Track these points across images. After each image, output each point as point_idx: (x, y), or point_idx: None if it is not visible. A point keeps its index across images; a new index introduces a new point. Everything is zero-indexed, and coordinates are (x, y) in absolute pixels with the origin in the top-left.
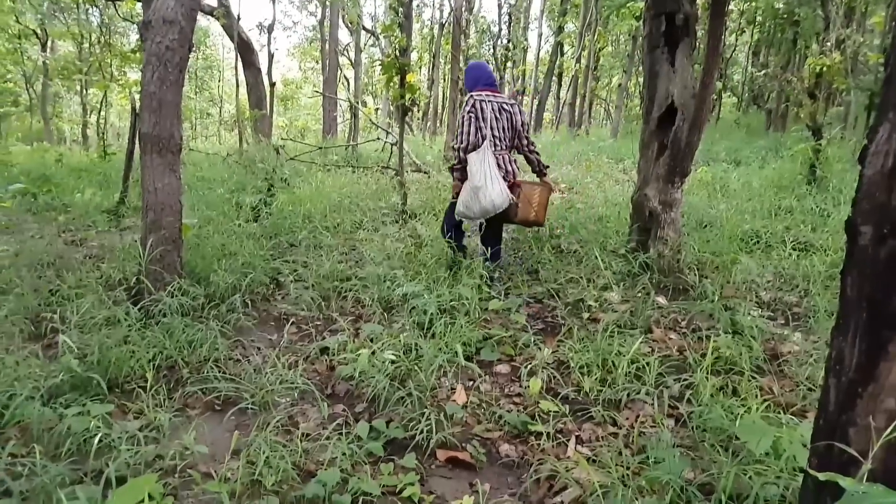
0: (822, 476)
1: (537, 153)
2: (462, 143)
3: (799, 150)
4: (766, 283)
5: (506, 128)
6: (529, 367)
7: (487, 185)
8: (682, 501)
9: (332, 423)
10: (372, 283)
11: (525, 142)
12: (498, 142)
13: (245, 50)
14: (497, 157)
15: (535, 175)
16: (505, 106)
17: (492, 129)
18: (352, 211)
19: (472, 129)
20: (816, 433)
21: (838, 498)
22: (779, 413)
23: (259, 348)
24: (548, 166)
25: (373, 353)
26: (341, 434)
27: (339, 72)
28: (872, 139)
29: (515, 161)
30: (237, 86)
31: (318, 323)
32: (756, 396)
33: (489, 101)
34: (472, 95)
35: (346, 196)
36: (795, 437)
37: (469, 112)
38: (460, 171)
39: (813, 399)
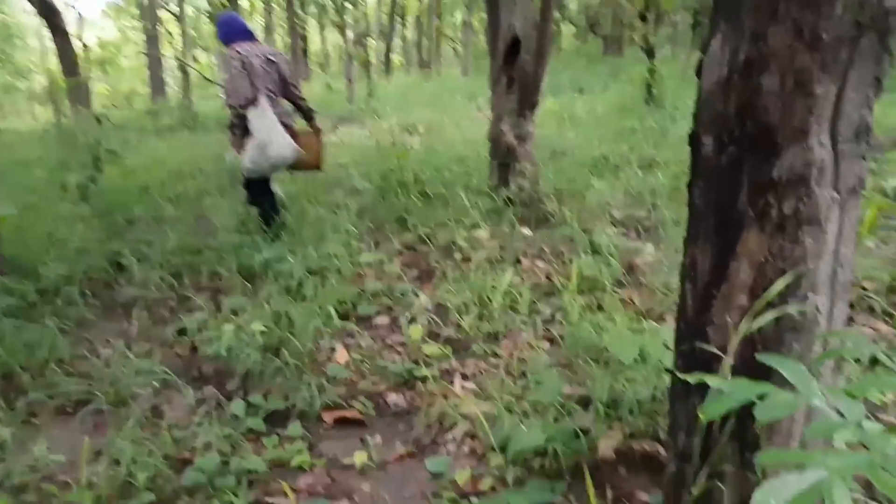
0: (690, 378)
1: (304, 99)
2: (239, 100)
3: (635, 73)
4: (617, 202)
5: (276, 79)
6: (409, 315)
7: (274, 140)
8: (563, 416)
9: (202, 406)
10: (227, 253)
11: (293, 90)
12: (272, 94)
13: (48, 13)
14: (275, 110)
15: (305, 122)
16: (271, 57)
17: (264, 81)
18: (194, 177)
19: (246, 83)
20: (678, 337)
21: (706, 391)
22: (641, 321)
23: (108, 340)
24: (316, 111)
25: (239, 327)
26: (214, 416)
27: (162, 27)
28: (706, 52)
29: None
30: (45, 54)
31: (172, 304)
32: (619, 308)
33: (255, 54)
34: (235, 49)
35: (185, 162)
36: (659, 341)
37: (238, 67)
38: (240, 129)
39: (670, 303)
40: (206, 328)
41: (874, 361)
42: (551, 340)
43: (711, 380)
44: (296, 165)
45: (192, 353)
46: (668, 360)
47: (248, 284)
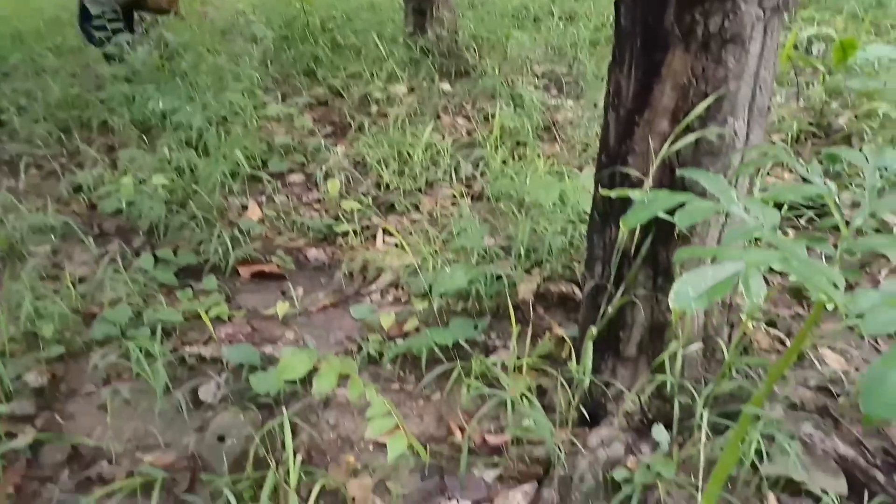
0: (612, 193)
1: None
2: None
3: None
4: (538, 56)
5: None
6: (324, 170)
7: None
8: (485, 261)
9: (107, 261)
10: (120, 105)
11: None
12: None
13: None
14: None
15: None
16: None
17: None
18: (74, 25)
19: None
20: (600, 166)
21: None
22: (562, 170)
23: None
24: None
25: (139, 181)
26: (121, 271)
27: None
28: None
29: None
30: None
31: (63, 160)
32: (539, 158)
33: None
34: None
35: (63, 7)
36: (578, 185)
37: None
38: None
39: (588, 156)
40: (102, 184)
41: None
42: (473, 196)
43: (633, 193)
44: (145, 4)
45: (91, 210)
46: (587, 203)
47: (144, 137)
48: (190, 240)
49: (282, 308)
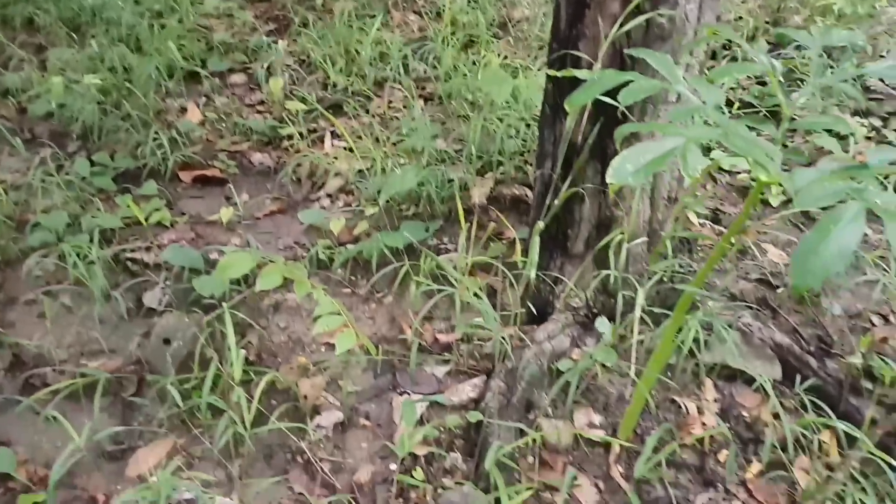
0: (560, 73)
1: None
2: None
3: None
4: None
5: None
6: (267, 68)
7: None
8: (437, 162)
9: (39, 166)
10: (46, 1)
11: None
12: None
13: None
14: None
15: None
16: None
17: None
18: None
19: None
20: (550, 52)
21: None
22: (516, 67)
23: None
24: None
25: (70, 81)
26: (56, 177)
27: None
28: None
29: None
30: None
31: None
32: (493, 54)
33: None
34: None
35: None
36: (531, 82)
37: None
38: None
39: (544, 54)
40: (31, 85)
41: None
42: (426, 98)
43: (580, 73)
44: None
45: (20, 114)
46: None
47: (74, 35)
48: (126, 143)
49: (226, 213)
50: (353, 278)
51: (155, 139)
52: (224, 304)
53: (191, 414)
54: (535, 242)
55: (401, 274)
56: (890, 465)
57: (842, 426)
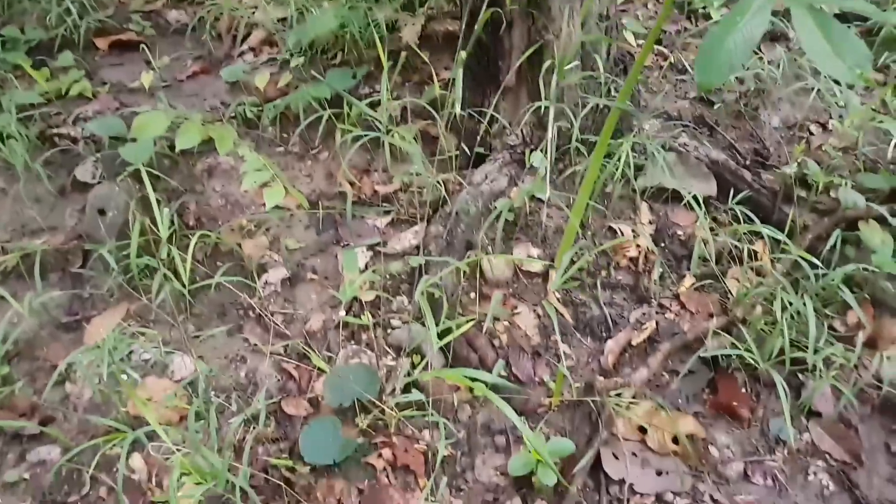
0: None
1: None
2: None
3: None
4: None
5: None
6: None
7: None
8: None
9: None
10: None
11: None
12: None
13: None
14: None
15: None
16: None
17: None
18: None
19: None
20: None
21: None
22: None
23: None
24: None
25: None
26: None
27: None
28: None
29: None
30: None
31: None
32: None
33: None
34: None
35: None
36: None
37: None
38: None
39: None
40: None
41: None
42: None
43: None
44: None
45: None
46: None
47: None
48: (33, 13)
49: (147, 79)
50: (284, 135)
51: (60, 4)
52: (146, 167)
53: (140, 280)
54: (459, 75)
55: (323, 122)
56: (813, 265)
57: (767, 231)
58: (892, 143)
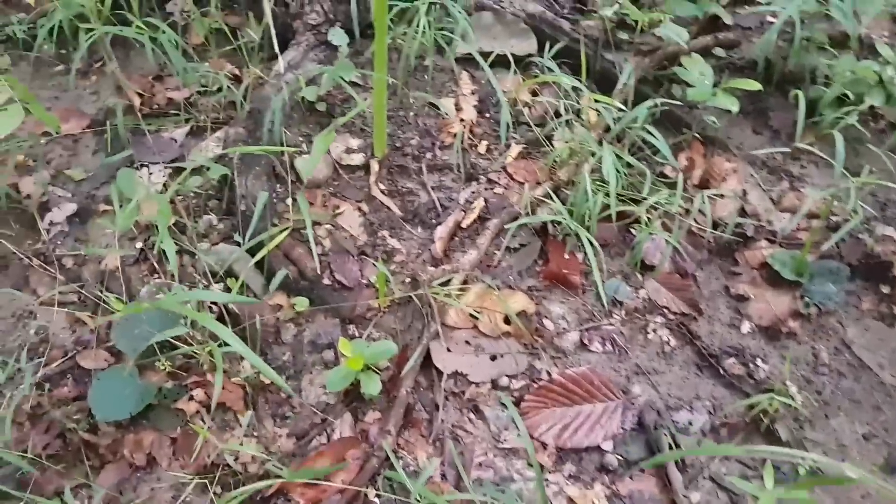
0: None
1: None
2: None
3: None
4: None
5: None
6: None
7: None
8: None
9: None
10: None
11: None
12: None
13: None
14: None
15: None
16: None
17: None
18: None
19: None
20: None
21: None
22: None
23: None
24: None
25: None
26: None
27: None
28: None
29: None
30: None
31: None
32: None
33: None
34: None
35: None
36: None
37: None
38: None
39: None
40: None
41: None
42: None
43: None
44: None
45: None
46: None
47: None
48: None
49: None
50: (63, 52)
51: None
52: None
53: None
54: None
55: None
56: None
57: (581, 84)
58: None
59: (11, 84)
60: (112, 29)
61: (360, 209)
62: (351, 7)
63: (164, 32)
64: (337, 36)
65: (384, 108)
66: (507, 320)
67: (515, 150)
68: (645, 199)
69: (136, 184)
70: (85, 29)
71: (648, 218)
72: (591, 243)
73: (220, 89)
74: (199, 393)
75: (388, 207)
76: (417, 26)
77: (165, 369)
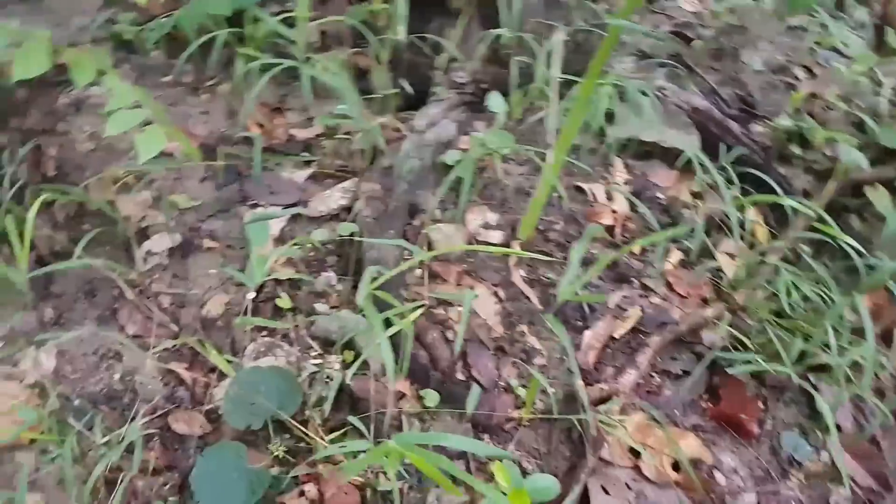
0: None
1: None
2: None
3: None
4: None
5: None
6: None
7: None
8: None
9: None
10: None
11: None
12: None
13: None
14: None
15: None
16: None
17: None
18: None
19: None
20: None
21: None
22: None
23: None
24: None
25: None
26: None
27: None
28: None
29: None
30: None
31: None
32: None
33: None
34: None
35: None
36: None
37: None
38: None
39: None
40: None
41: None
42: None
43: None
44: None
45: None
46: None
47: None
48: None
49: None
50: (173, 62)
51: None
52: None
53: None
54: None
55: (220, 44)
56: (834, 240)
57: (792, 203)
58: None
59: (147, 103)
60: (254, 54)
61: (496, 294)
62: (508, 74)
63: (290, 56)
64: (494, 101)
65: (550, 190)
66: (675, 466)
67: (675, 256)
68: (843, 348)
69: (268, 232)
70: (221, 44)
71: (846, 372)
72: (764, 384)
73: (348, 134)
74: (311, 489)
75: (529, 298)
76: (597, 105)
77: (278, 455)
